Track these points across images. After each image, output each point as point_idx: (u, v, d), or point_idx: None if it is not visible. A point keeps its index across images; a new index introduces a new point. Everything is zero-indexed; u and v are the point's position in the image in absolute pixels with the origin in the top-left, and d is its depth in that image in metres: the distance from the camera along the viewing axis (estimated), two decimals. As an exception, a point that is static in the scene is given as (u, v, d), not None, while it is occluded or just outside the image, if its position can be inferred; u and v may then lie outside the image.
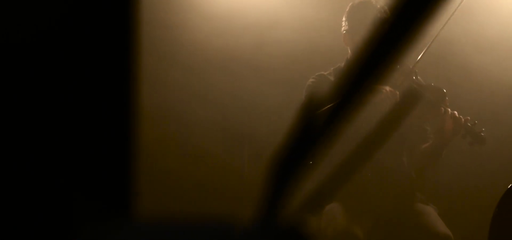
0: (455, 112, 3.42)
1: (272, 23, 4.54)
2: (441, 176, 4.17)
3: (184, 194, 4.46)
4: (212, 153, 4.51)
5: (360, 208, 3.42)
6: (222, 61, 4.50)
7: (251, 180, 4.48)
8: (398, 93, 3.41)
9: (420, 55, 3.47)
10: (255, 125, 4.54)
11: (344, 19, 3.63)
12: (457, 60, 4.44)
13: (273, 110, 4.48)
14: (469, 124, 3.42)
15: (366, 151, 3.21)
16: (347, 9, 3.63)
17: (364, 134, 3.06)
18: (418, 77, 3.58)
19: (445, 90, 3.46)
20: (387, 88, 3.40)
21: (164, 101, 4.44)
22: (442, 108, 3.42)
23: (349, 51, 3.63)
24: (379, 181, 3.47)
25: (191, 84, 4.46)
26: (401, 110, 3.42)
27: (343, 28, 3.63)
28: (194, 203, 4.45)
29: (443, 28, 3.43)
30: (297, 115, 2.93)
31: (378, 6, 3.55)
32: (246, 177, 4.55)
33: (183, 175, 4.47)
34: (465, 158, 4.12)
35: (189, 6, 4.51)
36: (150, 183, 4.30)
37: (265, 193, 0.79)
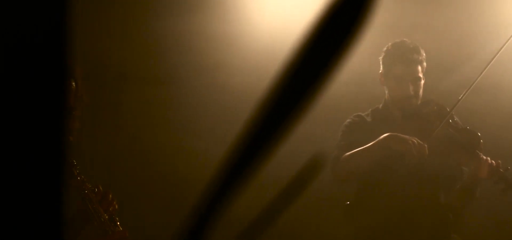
0: (488, 158, 3.42)
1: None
2: (477, 218, 4.18)
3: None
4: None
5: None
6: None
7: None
8: (426, 146, 3.44)
9: (458, 100, 3.50)
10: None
11: (380, 59, 3.70)
12: (491, 105, 4.47)
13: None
14: (501, 170, 3.40)
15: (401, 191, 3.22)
16: (383, 50, 3.70)
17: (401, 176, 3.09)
18: (455, 119, 3.62)
19: (479, 134, 3.48)
20: (415, 140, 3.43)
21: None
22: (477, 153, 3.44)
23: (386, 92, 3.69)
24: (416, 221, 3.50)
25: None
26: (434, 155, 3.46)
27: (380, 69, 3.70)
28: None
29: (482, 74, 3.48)
30: (332, 155, 2.98)
31: (412, 46, 3.61)
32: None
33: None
34: (501, 202, 4.13)
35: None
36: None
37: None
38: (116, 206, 2.72)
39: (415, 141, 3.41)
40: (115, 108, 4.45)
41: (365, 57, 4.42)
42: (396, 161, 3.46)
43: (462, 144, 3.47)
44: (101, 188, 2.72)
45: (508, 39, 3.50)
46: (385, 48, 3.70)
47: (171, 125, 4.56)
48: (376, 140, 3.45)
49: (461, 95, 3.50)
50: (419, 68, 3.58)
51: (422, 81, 3.60)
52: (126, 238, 2.72)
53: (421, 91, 3.60)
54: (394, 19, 4.56)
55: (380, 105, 3.73)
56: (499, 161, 3.41)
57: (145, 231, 4.16)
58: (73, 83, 2.62)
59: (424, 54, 3.61)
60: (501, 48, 3.49)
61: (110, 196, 2.71)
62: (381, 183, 3.52)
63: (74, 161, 2.68)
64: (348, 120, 3.70)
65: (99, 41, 4.34)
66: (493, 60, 3.49)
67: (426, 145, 3.42)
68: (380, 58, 3.70)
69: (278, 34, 4.61)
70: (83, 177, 2.68)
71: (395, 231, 3.49)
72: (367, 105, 3.80)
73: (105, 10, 4.36)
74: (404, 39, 3.68)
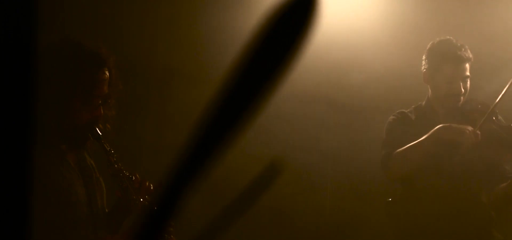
0: None
1: (355, 63, 4.62)
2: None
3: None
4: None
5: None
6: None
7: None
8: (479, 133, 3.42)
9: (500, 95, 3.47)
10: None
11: (424, 57, 3.68)
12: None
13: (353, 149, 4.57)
14: None
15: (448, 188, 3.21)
16: (427, 48, 3.68)
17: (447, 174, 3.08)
18: (499, 117, 3.58)
19: None
20: (469, 128, 3.42)
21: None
22: None
23: (429, 90, 3.67)
24: (458, 220, 3.49)
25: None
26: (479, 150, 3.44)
27: (423, 67, 3.68)
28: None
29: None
30: (382, 153, 2.98)
31: (459, 44, 3.59)
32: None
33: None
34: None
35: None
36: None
37: None
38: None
39: (469, 129, 3.40)
40: (162, 104, 4.51)
41: (401, 56, 4.43)
42: (449, 154, 3.45)
43: (506, 141, 3.44)
44: (138, 176, 2.70)
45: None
46: (429, 46, 3.68)
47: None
48: (429, 133, 3.45)
49: (504, 90, 3.46)
50: (468, 65, 3.56)
51: (469, 80, 3.58)
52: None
53: (468, 89, 3.58)
54: (428, 18, 4.55)
55: (423, 102, 3.72)
56: None
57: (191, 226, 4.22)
58: (107, 72, 2.64)
59: (470, 52, 3.59)
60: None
61: (147, 183, 2.69)
62: (424, 181, 3.51)
63: (112, 149, 2.67)
64: (391, 117, 3.69)
65: (147, 36, 4.41)
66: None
67: (478, 132, 3.41)
68: (424, 56, 3.68)
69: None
70: (120, 165, 2.66)
71: (436, 229, 3.48)
72: (407, 103, 3.79)
73: (154, 5, 4.42)
74: (449, 37, 3.66)
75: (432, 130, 3.45)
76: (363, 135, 4.53)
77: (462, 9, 4.59)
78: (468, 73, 3.57)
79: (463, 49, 3.57)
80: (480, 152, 3.46)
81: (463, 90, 3.55)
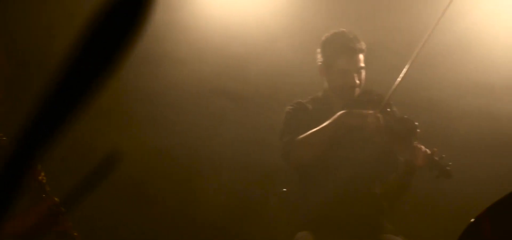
0: (422, 146, 3.43)
1: (254, 54, 4.63)
2: (411, 207, 4.24)
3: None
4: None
5: (331, 237, 3.47)
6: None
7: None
8: (380, 116, 3.47)
9: (393, 86, 3.52)
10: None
11: (318, 51, 3.70)
12: (427, 93, 4.55)
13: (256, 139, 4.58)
14: (436, 158, 3.41)
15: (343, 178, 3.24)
16: (321, 41, 3.70)
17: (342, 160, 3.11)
18: (393, 108, 3.64)
19: (416, 123, 3.49)
20: (371, 112, 3.47)
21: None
22: (413, 141, 3.46)
23: (326, 82, 3.71)
24: (350, 210, 3.51)
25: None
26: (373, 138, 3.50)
27: (318, 60, 3.71)
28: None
29: (412, 64, 3.51)
30: (283, 141, 2.99)
31: (351, 36, 3.62)
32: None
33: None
34: (434, 189, 4.19)
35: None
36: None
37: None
38: (44, 175, 2.68)
39: (371, 113, 3.45)
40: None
41: (299, 47, 4.47)
42: (352, 140, 3.48)
43: (399, 133, 3.48)
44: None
45: (437, 21, 3.52)
46: (323, 39, 3.69)
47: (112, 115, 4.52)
48: (331, 119, 3.48)
49: (396, 82, 3.52)
50: (361, 57, 3.60)
51: (364, 71, 3.62)
52: (57, 204, 2.69)
53: (363, 80, 3.62)
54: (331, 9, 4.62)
55: (320, 93, 3.74)
56: (435, 149, 3.43)
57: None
58: None
59: (363, 43, 3.63)
60: (432, 28, 3.52)
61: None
62: (320, 170, 3.53)
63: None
64: (289, 107, 3.70)
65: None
66: (423, 44, 3.51)
67: (380, 115, 3.46)
68: (318, 50, 3.70)
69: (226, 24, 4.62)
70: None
71: (330, 219, 3.50)
72: (305, 94, 3.82)
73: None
74: (342, 29, 3.69)
75: (335, 116, 3.48)
76: (260, 126, 4.53)
77: (360, 0, 4.68)
78: (362, 65, 3.60)
79: (355, 41, 3.59)
80: (373, 145, 3.51)
81: (357, 82, 3.59)
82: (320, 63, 3.68)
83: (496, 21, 4.58)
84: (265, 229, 4.40)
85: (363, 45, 3.61)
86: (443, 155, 3.43)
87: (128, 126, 4.58)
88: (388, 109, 3.56)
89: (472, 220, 2.09)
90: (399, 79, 3.51)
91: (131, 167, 4.43)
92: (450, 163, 3.41)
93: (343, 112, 3.48)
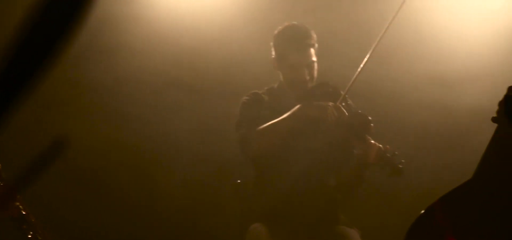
0: (376, 143, 3.42)
1: (206, 45, 4.60)
2: (366, 198, 4.25)
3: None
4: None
5: (285, 229, 3.47)
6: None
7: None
8: (341, 107, 3.46)
9: (351, 81, 3.52)
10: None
11: (271, 44, 3.69)
12: (382, 85, 4.57)
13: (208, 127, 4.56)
14: (388, 155, 3.39)
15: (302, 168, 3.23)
16: (274, 34, 3.68)
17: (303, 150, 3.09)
18: (349, 102, 3.64)
19: (370, 118, 3.50)
20: (330, 104, 3.46)
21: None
22: (366, 136, 3.45)
23: (281, 75, 3.69)
24: (305, 202, 3.51)
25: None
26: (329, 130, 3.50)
27: (272, 53, 3.69)
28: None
29: (369, 59, 3.51)
30: (240, 132, 2.98)
31: (303, 30, 3.60)
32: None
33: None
34: (388, 181, 4.21)
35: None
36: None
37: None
38: None
39: (331, 104, 3.44)
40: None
41: (255, 39, 4.45)
42: (312, 131, 3.47)
43: (353, 127, 3.48)
44: None
45: (395, 15, 3.53)
46: (275, 33, 3.68)
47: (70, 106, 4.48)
48: (291, 110, 3.46)
49: (355, 75, 3.52)
50: (312, 51, 3.59)
51: (316, 64, 3.61)
52: (14, 190, 2.67)
53: (315, 73, 3.61)
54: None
55: (276, 85, 3.73)
56: (388, 146, 3.42)
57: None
58: None
59: (315, 36, 3.62)
60: (390, 22, 3.53)
61: None
62: (276, 162, 3.52)
63: None
64: (245, 98, 3.68)
65: None
66: (380, 39, 3.52)
67: (341, 106, 3.45)
68: (271, 43, 3.68)
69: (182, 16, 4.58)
70: None
71: (284, 211, 3.49)
72: (261, 85, 3.80)
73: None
74: (294, 22, 3.68)
75: (295, 108, 3.47)
76: (216, 117, 4.51)
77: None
78: (313, 59, 3.59)
79: (306, 35, 3.58)
80: (329, 135, 3.51)
81: (308, 77, 3.58)
82: (273, 56, 3.67)
83: (451, 14, 4.61)
84: (220, 220, 4.39)
85: (314, 38, 3.60)
86: (396, 152, 3.41)
87: (84, 117, 4.53)
88: (344, 103, 3.55)
89: (422, 212, 2.11)
90: (357, 72, 3.51)
91: (89, 158, 4.39)
92: (403, 161, 3.40)
93: (303, 104, 3.47)
